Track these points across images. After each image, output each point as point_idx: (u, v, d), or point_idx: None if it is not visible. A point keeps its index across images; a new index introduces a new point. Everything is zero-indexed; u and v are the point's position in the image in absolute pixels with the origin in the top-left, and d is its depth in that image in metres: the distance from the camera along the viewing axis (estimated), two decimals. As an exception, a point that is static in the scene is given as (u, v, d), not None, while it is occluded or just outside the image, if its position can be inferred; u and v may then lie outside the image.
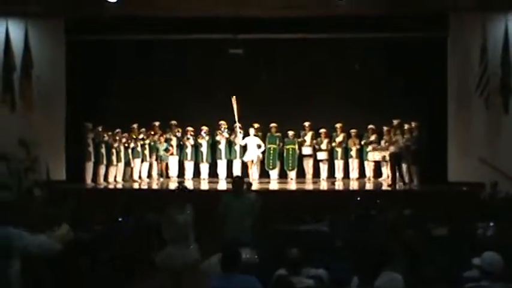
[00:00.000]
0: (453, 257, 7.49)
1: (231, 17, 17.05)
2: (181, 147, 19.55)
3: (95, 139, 17.99)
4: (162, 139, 19.06)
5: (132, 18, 17.75)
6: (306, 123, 19.35)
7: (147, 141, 19.01)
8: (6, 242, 5.35)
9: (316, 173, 19.55)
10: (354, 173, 19.37)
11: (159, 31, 18.23)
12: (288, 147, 19.47)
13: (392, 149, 17.60)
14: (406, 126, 17.84)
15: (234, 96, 18.08)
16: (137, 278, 9.61)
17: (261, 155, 18.88)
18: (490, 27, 17.03)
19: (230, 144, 19.38)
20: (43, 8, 17.06)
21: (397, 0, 16.24)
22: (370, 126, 18.72)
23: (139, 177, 19.10)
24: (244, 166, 18.85)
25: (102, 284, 8.58)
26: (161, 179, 19.16)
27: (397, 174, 17.52)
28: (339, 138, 19.27)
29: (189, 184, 18.13)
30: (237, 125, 18.61)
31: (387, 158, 18.26)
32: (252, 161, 18.59)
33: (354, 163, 19.39)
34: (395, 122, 18.19)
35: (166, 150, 19.05)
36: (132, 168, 18.84)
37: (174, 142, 19.36)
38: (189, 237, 8.69)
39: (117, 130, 18.37)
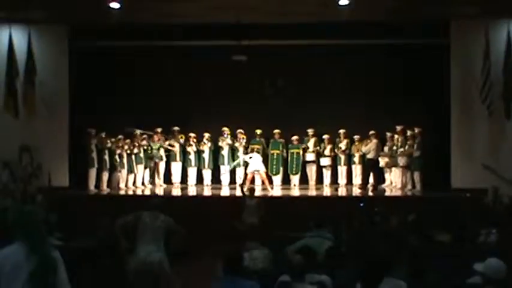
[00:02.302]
0: (456, 263, 7.48)
1: (233, 23, 17.04)
2: (184, 154, 19.56)
3: (98, 145, 18.00)
4: (156, 138, 19.01)
5: (135, 25, 17.79)
6: (309, 130, 19.36)
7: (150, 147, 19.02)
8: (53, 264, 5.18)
9: (319, 179, 19.56)
10: (357, 179, 19.36)
11: (161, 37, 18.27)
12: (292, 151, 19.51)
13: (370, 155, 17.79)
14: (409, 133, 17.86)
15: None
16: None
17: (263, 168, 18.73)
18: (492, 34, 17.02)
19: (233, 150, 19.40)
20: (46, 15, 17.07)
21: (399, 7, 16.22)
22: (372, 132, 18.66)
23: (142, 183, 19.11)
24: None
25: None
26: (164, 185, 19.17)
27: (372, 179, 18.25)
28: (343, 145, 19.26)
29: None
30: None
31: (390, 164, 18.33)
32: (258, 172, 18.47)
33: (357, 169, 19.37)
34: (398, 128, 18.24)
35: (158, 149, 19.00)
36: (135, 175, 18.84)
37: (177, 148, 19.38)
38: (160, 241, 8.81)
39: (120, 136, 18.38)
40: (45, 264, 4.87)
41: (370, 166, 18.25)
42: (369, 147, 18.03)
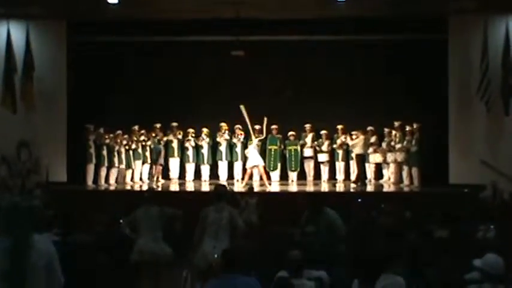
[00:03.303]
0: (454, 259, 7.48)
1: (232, 18, 17.05)
2: (182, 149, 19.54)
3: (96, 141, 18.01)
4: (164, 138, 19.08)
5: (133, 20, 17.79)
6: (307, 125, 19.35)
7: (148, 143, 19.02)
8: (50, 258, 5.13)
9: (317, 175, 19.54)
10: (355, 175, 19.32)
11: (160, 33, 18.29)
12: (289, 147, 19.50)
13: (357, 150, 17.88)
14: (407, 128, 17.86)
15: (242, 106, 17.98)
16: (138, 280, 9.64)
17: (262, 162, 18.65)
18: (490, 29, 17.00)
19: (231, 146, 19.40)
20: (44, 10, 17.07)
21: (397, 2, 16.22)
22: (370, 128, 18.69)
23: (140, 178, 19.11)
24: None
25: (102, 285, 8.58)
26: (162, 181, 19.16)
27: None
28: (340, 140, 19.24)
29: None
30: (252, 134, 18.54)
31: (388, 159, 18.34)
32: (257, 166, 18.40)
33: (355, 165, 19.34)
34: (396, 123, 18.24)
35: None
36: (133, 170, 18.84)
37: (175, 144, 19.36)
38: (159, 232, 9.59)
39: (118, 132, 18.37)
40: (21, 261, 4.82)
41: (357, 161, 18.32)
42: (355, 143, 18.09)
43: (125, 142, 18.40)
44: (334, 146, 19.29)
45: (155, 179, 18.99)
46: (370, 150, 18.75)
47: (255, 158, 18.02)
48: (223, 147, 19.38)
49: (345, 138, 18.99)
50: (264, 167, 18.52)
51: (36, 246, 4.93)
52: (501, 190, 15.30)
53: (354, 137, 18.46)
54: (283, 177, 19.67)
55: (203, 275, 8.47)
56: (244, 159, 18.85)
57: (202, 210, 9.00)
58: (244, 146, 19.16)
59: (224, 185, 10.67)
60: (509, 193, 15.08)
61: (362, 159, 18.43)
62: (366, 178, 18.96)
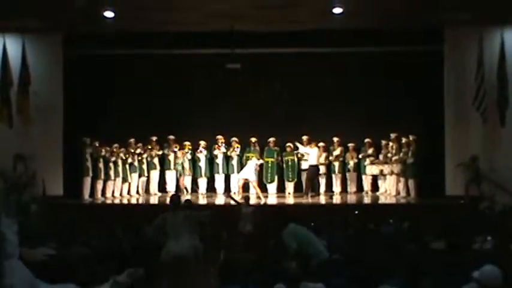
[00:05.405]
0: (451, 270, 7.47)
1: (227, 31, 17.07)
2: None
3: (92, 154, 17.99)
4: (182, 153, 19.06)
5: (129, 33, 17.80)
6: (304, 137, 19.32)
7: (145, 156, 19.02)
8: None
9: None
10: (351, 187, 19.36)
11: (156, 46, 18.27)
12: (287, 158, 19.50)
13: (312, 162, 17.96)
14: (403, 140, 17.88)
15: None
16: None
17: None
18: (485, 40, 17.02)
19: (227, 158, 19.39)
20: (40, 24, 17.05)
21: (393, 14, 16.26)
22: (367, 140, 18.77)
23: (137, 192, 19.08)
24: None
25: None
26: (159, 193, 19.16)
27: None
28: (337, 152, 19.27)
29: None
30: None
31: (385, 171, 18.34)
32: (249, 181, 18.43)
33: (351, 177, 19.38)
34: (392, 135, 18.26)
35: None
36: (129, 183, 18.81)
37: (171, 157, 19.34)
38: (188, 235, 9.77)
39: (115, 145, 18.36)
40: None
41: (311, 173, 18.43)
42: (313, 155, 18.24)
43: (121, 155, 18.38)
44: (331, 158, 19.33)
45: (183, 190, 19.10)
46: (367, 162, 18.80)
47: (247, 172, 18.06)
48: (219, 160, 19.37)
49: (373, 151, 19.10)
50: (258, 183, 18.50)
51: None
52: (498, 201, 15.30)
53: (308, 148, 18.56)
54: (281, 189, 19.65)
55: (169, 270, 9.37)
56: (241, 167, 18.92)
57: (160, 216, 10.03)
58: (240, 158, 19.21)
59: (178, 195, 12.14)
60: (503, 204, 15.08)
61: (316, 171, 18.59)
62: (362, 190, 19.01)
